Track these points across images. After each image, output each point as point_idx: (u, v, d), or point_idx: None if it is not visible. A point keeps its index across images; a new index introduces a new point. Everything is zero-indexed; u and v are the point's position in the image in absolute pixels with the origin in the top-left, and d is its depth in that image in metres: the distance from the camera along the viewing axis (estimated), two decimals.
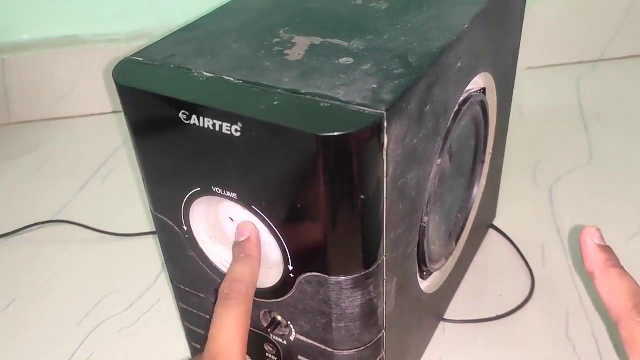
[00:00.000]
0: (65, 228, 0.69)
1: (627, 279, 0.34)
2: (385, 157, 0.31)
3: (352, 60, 0.35)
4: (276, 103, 0.31)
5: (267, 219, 0.34)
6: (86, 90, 0.90)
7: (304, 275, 0.35)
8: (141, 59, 0.37)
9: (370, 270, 0.35)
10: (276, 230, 0.34)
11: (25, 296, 0.61)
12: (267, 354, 0.42)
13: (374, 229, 0.34)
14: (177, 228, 0.39)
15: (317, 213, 0.32)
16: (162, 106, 0.34)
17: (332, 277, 0.34)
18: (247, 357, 0.36)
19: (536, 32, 0.88)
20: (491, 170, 0.55)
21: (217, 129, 0.32)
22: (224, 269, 0.39)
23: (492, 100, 0.49)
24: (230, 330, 0.34)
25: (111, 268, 0.63)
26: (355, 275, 0.34)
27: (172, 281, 0.44)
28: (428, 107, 0.35)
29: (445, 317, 0.54)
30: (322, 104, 0.31)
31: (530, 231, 0.62)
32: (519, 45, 0.54)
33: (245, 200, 0.34)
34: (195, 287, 0.42)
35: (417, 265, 0.43)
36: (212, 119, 0.32)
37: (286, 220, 0.34)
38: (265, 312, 0.40)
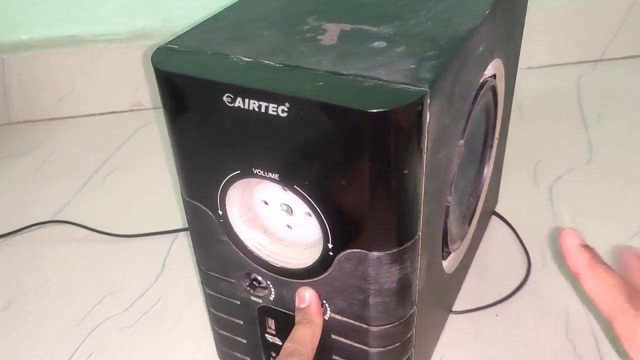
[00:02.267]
0: (65, 228, 0.69)
1: (616, 274, 0.33)
2: (426, 134, 0.32)
3: (386, 44, 0.36)
4: (321, 83, 0.32)
5: (309, 198, 0.35)
6: (86, 90, 0.90)
7: (343, 253, 0.36)
8: (177, 47, 0.38)
9: (408, 245, 0.36)
10: (318, 209, 0.35)
11: (25, 296, 0.61)
12: None
13: (413, 204, 0.35)
14: (211, 213, 0.40)
15: (361, 189, 0.33)
16: (206, 90, 0.34)
17: (372, 253, 0.35)
18: None
19: (536, 32, 0.88)
20: (497, 156, 0.56)
21: (263, 110, 0.32)
22: (259, 252, 0.40)
23: (501, 86, 0.50)
24: None
25: (111, 268, 0.63)
26: (394, 250, 0.35)
27: (199, 267, 0.44)
28: (457, 88, 0.36)
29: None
30: (365, 83, 0.32)
31: (530, 231, 0.62)
32: (522, 33, 0.55)
33: (288, 181, 0.35)
34: (226, 272, 0.43)
35: (440, 245, 0.44)
36: (258, 101, 0.32)
37: (329, 198, 0.34)
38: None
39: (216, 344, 0.50)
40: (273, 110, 0.32)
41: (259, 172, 0.35)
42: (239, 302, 0.44)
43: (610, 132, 0.77)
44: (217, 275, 0.43)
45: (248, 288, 0.42)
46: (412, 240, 0.36)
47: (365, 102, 0.30)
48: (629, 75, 0.89)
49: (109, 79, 0.88)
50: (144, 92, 0.90)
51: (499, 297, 0.55)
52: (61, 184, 0.76)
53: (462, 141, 0.41)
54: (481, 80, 0.44)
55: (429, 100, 0.31)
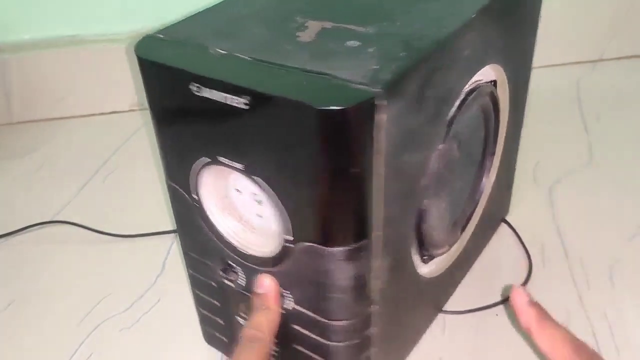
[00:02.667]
0: (65, 228, 0.69)
1: (562, 329, 0.36)
2: (380, 135, 0.32)
3: (359, 43, 0.36)
4: (283, 79, 0.33)
5: (269, 189, 0.36)
6: (86, 90, 0.90)
7: (301, 245, 0.37)
8: (162, 36, 0.40)
9: (363, 243, 0.36)
10: (278, 201, 0.36)
11: (25, 296, 0.61)
12: None
13: (368, 203, 0.35)
14: (187, 196, 0.41)
15: (315, 185, 0.34)
16: (176, 78, 0.36)
17: (326, 248, 0.36)
18: None
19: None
20: (503, 164, 0.55)
21: (226, 101, 0.34)
22: (231, 240, 0.41)
23: (503, 93, 0.49)
24: None
25: (111, 268, 0.63)
26: (349, 248, 0.36)
27: (182, 248, 0.46)
28: (430, 92, 0.36)
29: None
30: (324, 81, 0.33)
31: (530, 231, 0.62)
32: (534, 41, 0.54)
33: (250, 171, 0.36)
34: (203, 254, 0.44)
35: (418, 249, 0.44)
36: (222, 92, 0.34)
37: (287, 191, 0.35)
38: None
39: (200, 323, 0.51)
40: (236, 102, 0.33)
41: (225, 160, 0.37)
42: (215, 285, 0.45)
43: (610, 132, 0.77)
44: (195, 256, 0.45)
45: (221, 272, 0.43)
46: (368, 240, 0.36)
47: (316, 99, 0.31)
48: (629, 75, 0.89)
49: (109, 79, 0.88)
50: (144, 92, 0.90)
51: (499, 298, 0.55)
52: (61, 184, 0.76)
53: (441, 146, 0.40)
54: (471, 86, 0.43)
55: (382, 102, 0.31)
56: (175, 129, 0.39)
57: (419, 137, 0.37)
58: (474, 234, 0.54)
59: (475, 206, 0.52)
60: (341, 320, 0.39)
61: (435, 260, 0.48)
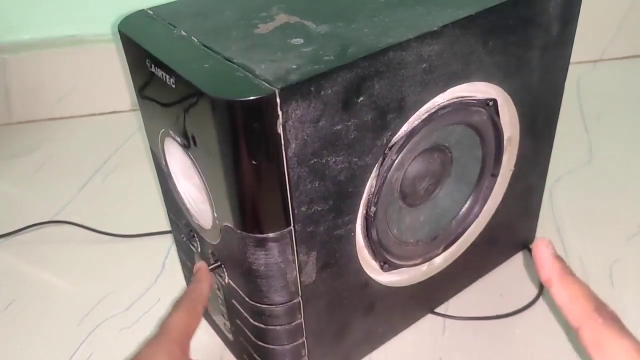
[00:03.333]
0: (65, 228, 0.69)
1: (584, 285, 0.34)
2: (281, 132, 0.33)
3: (302, 42, 0.36)
4: (206, 66, 0.35)
5: (197, 166, 0.38)
6: (86, 90, 0.90)
7: (222, 224, 0.39)
8: (151, 12, 0.42)
9: (272, 235, 0.37)
10: (202, 177, 0.38)
11: (25, 296, 0.61)
12: (217, 290, 0.47)
13: (270, 196, 0.35)
14: (161, 161, 0.44)
15: (221, 170, 0.35)
16: (138, 53, 0.39)
17: (238, 231, 0.37)
18: None
19: None
20: (517, 189, 0.52)
21: (164, 79, 0.36)
22: (188, 205, 0.44)
23: (507, 114, 0.47)
24: (176, 316, 0.39)
25: (111, 268, 0.63)
26: (257, 235, 0.37)
27: (166, 210, 0.50)
28: (362, 99, 0.36)
29: (449, 313, 0.54)
30: (237, 73, 0.33)
31: None
32: (562, 67, 0.50)
33: (185, 146, 0.38)
34: (177, 217, 0.47)
35: (373, 255, 0.44)
36: (161, 70, 0.36)
37: (207, 169, 0.37)
38: (212, 252, 0.44)
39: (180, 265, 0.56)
40: (169, 81, 0.36)
41: (171, 132, 0.39)
42: (184, 245, 0.48)
43: (610, 132, 0.77)
44: (172, 217, 0.49)
45: (183, 237, 0.46)
46: (278, 232, 0.37)
47: (213, 88, 0.32)
48: (629, 75, 0.89)
49: (109, 79, 0.88)
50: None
51: (501, 309, 0.55)
52: (61, 184, 0.76)
53: (397, 155, 0.40)
54: (447, 101, 0.41)
55: (279, 100, 0.32)
56: (145, 99, 0.41)
57: (349, 142, 0.37)
58: (474, 254, 0.52)
59: (467, 226, 0.50)
60: (261, 303, 0.41)
61: (402, 270, 0.47)
